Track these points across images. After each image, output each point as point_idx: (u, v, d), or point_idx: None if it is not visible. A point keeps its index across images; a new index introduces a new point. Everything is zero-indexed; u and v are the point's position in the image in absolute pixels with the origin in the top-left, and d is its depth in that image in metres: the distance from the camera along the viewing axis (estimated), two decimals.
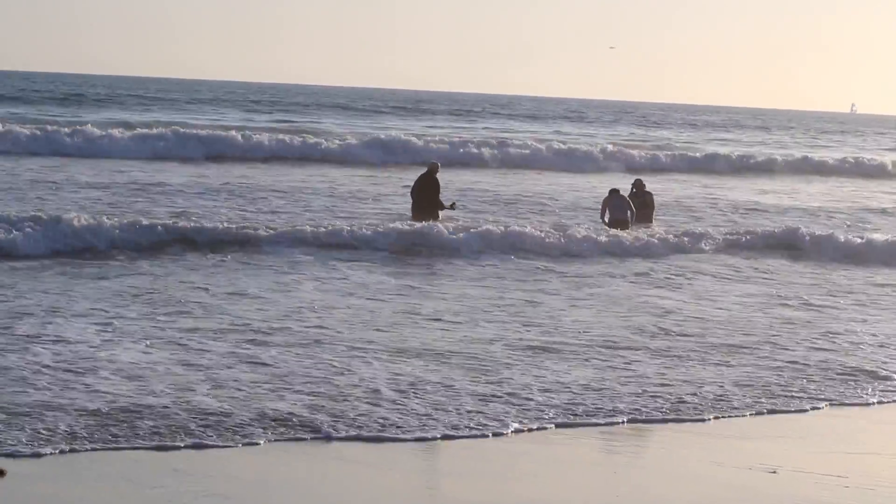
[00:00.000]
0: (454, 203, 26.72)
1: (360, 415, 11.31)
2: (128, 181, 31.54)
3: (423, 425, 11.17)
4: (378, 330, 15.21)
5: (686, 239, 25.30)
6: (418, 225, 23.92)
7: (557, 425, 11.49)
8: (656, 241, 24.81)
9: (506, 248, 23.02)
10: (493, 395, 12.26)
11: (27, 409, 10.82)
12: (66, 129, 42.20)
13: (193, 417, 10.90)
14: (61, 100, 77.57)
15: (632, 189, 28.25)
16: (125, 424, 10.61)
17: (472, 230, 23.81)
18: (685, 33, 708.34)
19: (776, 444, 11.36)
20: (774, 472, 10.34)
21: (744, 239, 25.96)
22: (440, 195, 26.40)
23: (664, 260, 23.41)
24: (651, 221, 27.74)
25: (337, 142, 46.34)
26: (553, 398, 12.26)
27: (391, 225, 23.77)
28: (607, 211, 26.77)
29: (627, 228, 26.05)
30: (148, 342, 13.71)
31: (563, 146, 50.59)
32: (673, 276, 21.44)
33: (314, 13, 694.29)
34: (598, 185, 36.33)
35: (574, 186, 38.26)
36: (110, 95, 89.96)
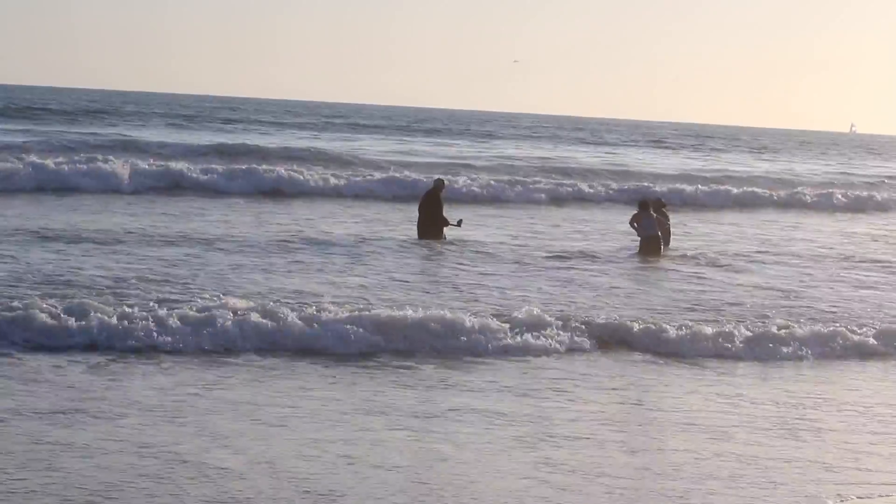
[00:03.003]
0: (460, 221, 26.58)
1: None
2: None
3: None
4: None
5: None
6: None
7: None
8: None
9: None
10: None
11: None
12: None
13: None
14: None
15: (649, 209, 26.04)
16: None
17: None
18: (687, 51, 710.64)
19: None
20: None
21: None
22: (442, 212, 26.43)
23: None
24: (668, 244, 26.52)
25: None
26: None
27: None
28: (639, 226, 25.49)
29: (660, 251, 25.25)
30: None
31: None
32: None
33: (308, 30, 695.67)
34: None
35: None
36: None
